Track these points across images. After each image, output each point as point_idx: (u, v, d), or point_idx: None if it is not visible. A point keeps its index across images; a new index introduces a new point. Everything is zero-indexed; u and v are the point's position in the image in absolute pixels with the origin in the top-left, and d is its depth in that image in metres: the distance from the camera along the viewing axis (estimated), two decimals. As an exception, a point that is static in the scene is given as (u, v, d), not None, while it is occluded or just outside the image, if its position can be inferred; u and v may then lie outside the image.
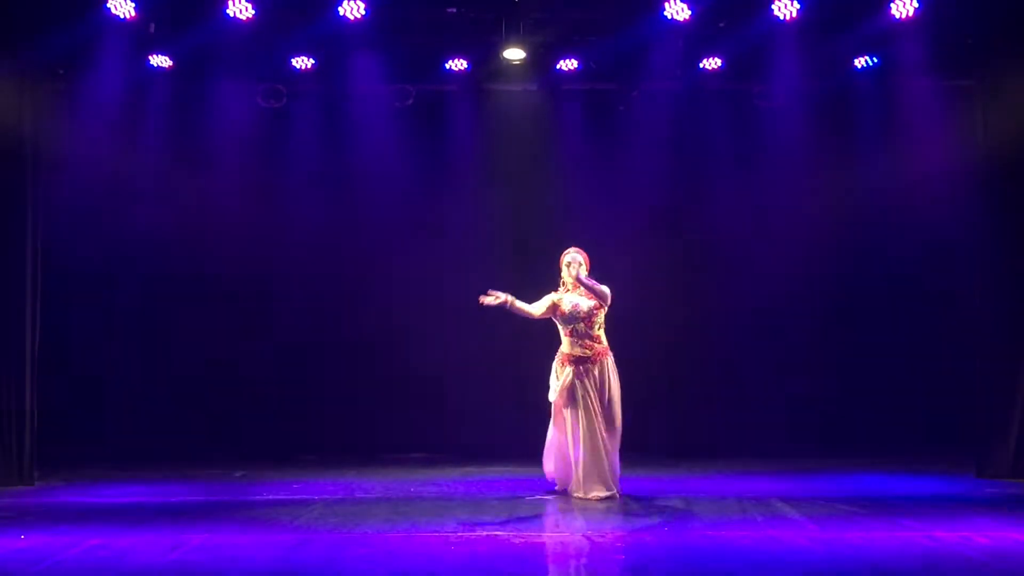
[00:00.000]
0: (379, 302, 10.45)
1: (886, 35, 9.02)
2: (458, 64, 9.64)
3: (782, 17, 8.77)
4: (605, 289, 7.56)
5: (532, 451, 9.83)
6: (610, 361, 7.59)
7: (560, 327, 7.69)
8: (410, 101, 9.98)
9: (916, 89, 9.43)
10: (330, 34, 9.08)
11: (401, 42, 9.37)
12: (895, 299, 10.44)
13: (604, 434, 7.45)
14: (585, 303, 7.56)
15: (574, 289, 7.61)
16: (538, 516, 6.72)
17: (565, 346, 7.64)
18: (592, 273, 7.68)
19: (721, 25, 9.14)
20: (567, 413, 7.55)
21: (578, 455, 7.46)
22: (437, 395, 10.28)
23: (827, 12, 8.85)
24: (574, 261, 7.63)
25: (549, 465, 7.83)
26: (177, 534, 6.04)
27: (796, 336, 10.45)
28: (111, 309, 10.28)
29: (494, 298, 7.45)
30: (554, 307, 7.61)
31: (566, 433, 7.56)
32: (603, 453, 7.43)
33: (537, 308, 7.63)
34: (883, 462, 9.41)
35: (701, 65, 9.60)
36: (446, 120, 10.37)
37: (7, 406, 8.43)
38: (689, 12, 8.78)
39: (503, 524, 6.41)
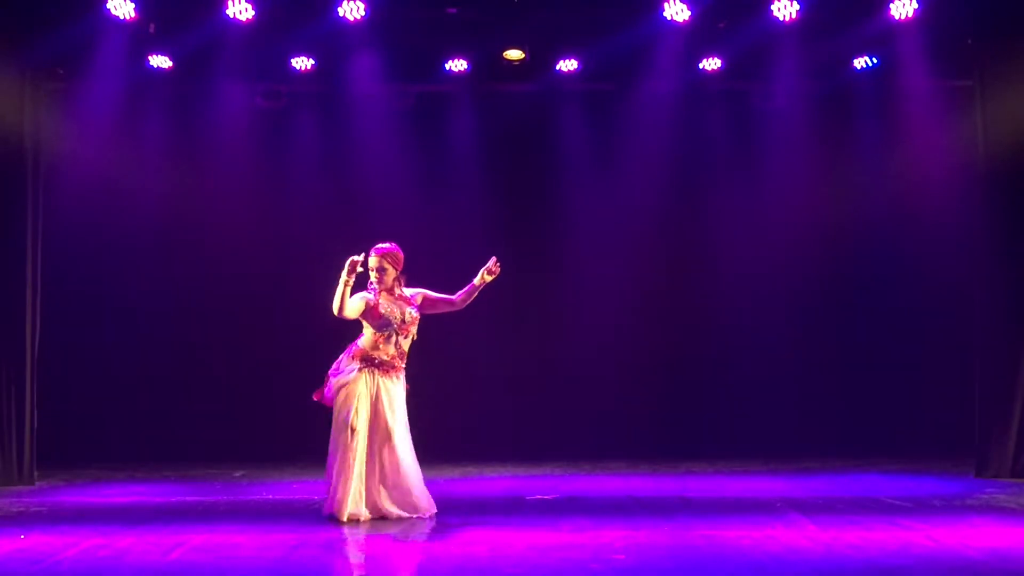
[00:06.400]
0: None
1: (886, 35, 9.02)
2: (458, 64, 9.63)
3: (782, 18, 8.77)
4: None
5: (532, 451, 9.88)
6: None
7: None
8: (410, 101, 9.99)
9: (916, 89, 9.43)
10: (330, 34, 9.08)
11: (401, 42, 9.37)
12: (894, 299, 10.44)
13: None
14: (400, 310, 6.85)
15: (389, 295, 6.89)
16: (538, 516, 6.71)
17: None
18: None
19: (721, 26, 9.15)
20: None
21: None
22: (437, 395, 10.25)
23: (827, 12, 8.85)
24: (378, 268, 6.87)
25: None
26: (177, 534, 6.03)
27: (795, 336, 10.46)
28: (111, 309, 10.28)
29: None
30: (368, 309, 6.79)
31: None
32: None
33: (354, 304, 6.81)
34: (883, 462, 9.41)
35: (701, 65, 9.60)
36: (446, 120, 10.37)
37: (7, 406, 8.44)
38: (689, 12, 8.78)
39: (503, 524, 6.41)
